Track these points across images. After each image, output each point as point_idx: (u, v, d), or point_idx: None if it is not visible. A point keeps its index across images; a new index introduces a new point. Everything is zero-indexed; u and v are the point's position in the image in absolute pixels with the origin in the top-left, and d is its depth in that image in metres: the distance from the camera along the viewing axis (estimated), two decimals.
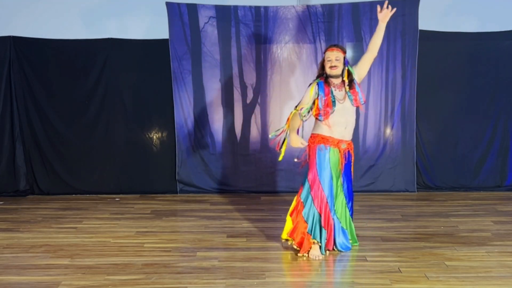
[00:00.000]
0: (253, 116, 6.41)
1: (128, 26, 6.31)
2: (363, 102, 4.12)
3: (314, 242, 4.10)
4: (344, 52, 4.13)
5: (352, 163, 4.26)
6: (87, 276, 3.79)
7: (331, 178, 4.09)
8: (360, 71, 4.20)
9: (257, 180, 6.47)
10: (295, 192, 6.31)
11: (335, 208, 4.18)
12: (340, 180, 4.19)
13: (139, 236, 4.77)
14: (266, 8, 6.20)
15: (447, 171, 6.47)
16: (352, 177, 4.32)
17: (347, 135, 4.15)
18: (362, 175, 6.41)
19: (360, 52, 6.26)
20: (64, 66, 6.31)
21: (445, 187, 6.48)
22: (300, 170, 4.46)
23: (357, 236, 4.57)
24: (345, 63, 4.11)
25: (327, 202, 4.08)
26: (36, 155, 6.42)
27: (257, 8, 6.21)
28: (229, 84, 6.35)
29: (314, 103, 4.11)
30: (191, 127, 6.41)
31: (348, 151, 4.18)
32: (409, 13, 6.17)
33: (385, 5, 4.13)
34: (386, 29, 6.10)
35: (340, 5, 6.20)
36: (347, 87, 4.08)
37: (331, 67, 4.07)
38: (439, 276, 3.73)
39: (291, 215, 4.25)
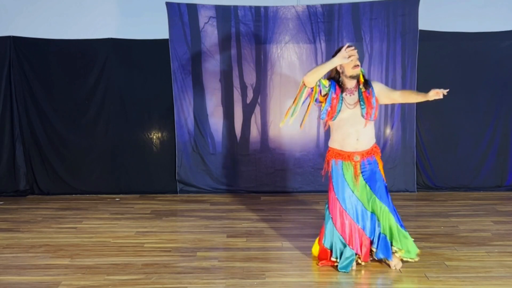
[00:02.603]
0: (253, 116, 6.41)
1: (128, 26, 6.30)
2: (372, 119, 3.87)
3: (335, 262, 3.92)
4: None
5: (379, 167, 3.95)
6: (87, 276, 3.79)
7: (353, 194, 3.88)
8: (383, 95, 3.95)
9: (257, 180, 6.47)
10: (295, 192, 6.38)
11: (378, 219, 3.90)
12: (369, 190, 3.89)
13: (139, 236, 4.77)
14: (266, 8, 6.20)
15: (447, 171, 6.47)
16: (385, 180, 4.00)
17: (361, 147, 3.89)
18: None
19: (360, 52, 6.24)
20: (64, 66, 6.31)
21: (445, 187, 6.48)
22: (323, 181, 4.27)
23: None
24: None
25: (347, 216, 3.87)
26: (36, 155, 6.42)
27: (257, 8, 6.21)
28: (229, 84, 6.35)
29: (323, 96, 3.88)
30: (191, 127, 6.41)
31: (368, 159, 3.91)
32: (409, 13, 6.17)
33: (444, 91, 3.93)
34: (386, 28, 6.23)
35: (340, 5, 6.20)
36: (362, 87, 3.86)
37: (355, 66, 3.81)
38: (439, 276, 3.74)
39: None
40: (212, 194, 6.41)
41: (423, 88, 6.27)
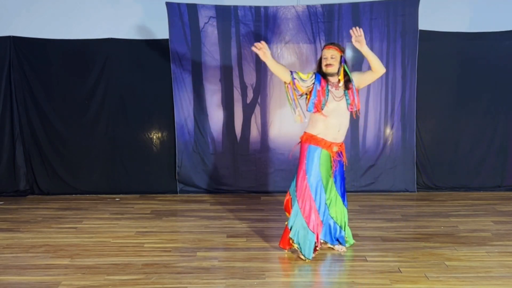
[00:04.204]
0: (253, 116, 6.41)
1: (128, 26, 6.30)
2: (356, 109, 4.09)
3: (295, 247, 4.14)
4: (342, 51, 4.08)
5: (344, 163, 4.25)
6: (87, 276, 3.79)
7: (320, 179, 4.07)
8: (359, 82, 4.15)
9: (257, 180, 6.47)
10: None
11: (329, 208, 4.23)
12: (332, 180, 4.20)
13: (139, 236, 4.77)
14: (266, 8, 6.20)
15: (447, 171, 6.47)
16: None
17: (340, 138, 4.13)
18: (362, 175, 6.41)
19: (360, 52, 6.24)
20: (64, 66, 6.30)
21: (445, 187, 6.48)
22: (290, 158, 4.44)
23: (357, 236, 4.59)
24: (342, 61, 4.07)
25: (314, 203, 4.05)
26: (36, 155, 6.42)
27: (257, 8, 6.21)
28: (229, 84, 6.35)
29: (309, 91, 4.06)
30: (191, 127, 6.41)
31: (340, 152, 4.19)
32: (409, 13, 6.17)
33: (353, 30, 3.98)
34: (386, 28, 6.23)
35: (340, 5, 6.20)
36: (343, 87, 4.06)
37: (326, 65, 4.04)
38: (439, 276, 3.74)
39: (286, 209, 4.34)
40: (212, 194, 6.41)
41: (423, 88, 6.32)
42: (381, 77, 6.22)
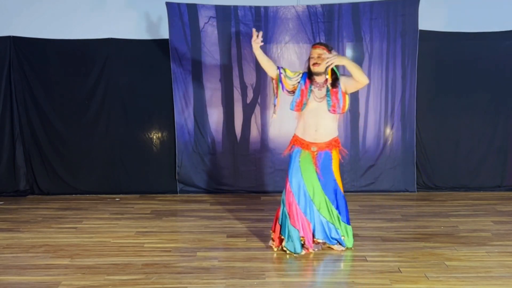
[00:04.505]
0: (253, 116, 6.41)
1: (128, 26, 6.30)
2: (340, 112, 4.12)
3: (282, 238, 4.24)
4: (329, 51, 4.12)
5: (332, 162, 4.20)
6: (87, 276, 3.79)
7: (302, 179, 4.15)
8: (346, 85, 4.13)
9: (257, 180, 6.47)
10: None
11: (320, 210, 4.19)
12: (317, 181, 4.18)
13: (139, 236, 4.77)
14: (266, 8, 6.20)
15: (447, 171, 6.46)
16: (336, 177, 4.26)
17: (320, 138, 4.16)
18: (362, 175, 6.41)
19: (360, 52, 6.28)
20: (64, 66, 6.30)
21: (445, 187, 6.48)
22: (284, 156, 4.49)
23: (357, 236, 4.58)
24: None
25: (297, 204, 4.15)
26: (36, 155, 6.42)
27: (257, 8, 6.21)
28: (229, 84, 6.35)
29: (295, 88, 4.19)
30: (191, 127, 6.41)
31: (325, 152, 4.17)
32: (409, 13, 6.17)
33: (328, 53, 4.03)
34: (386, 28, 6.23)
35: (340, 5, 6.20)
36: (329, 85, 4.10)
37: (313, 64, 4.10)
38: (439, 276, 3.74)
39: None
40: (212, 194, 6.41)
41: (423, 88, 6.32)
42: (381, 77, 6.32)
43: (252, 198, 6.23)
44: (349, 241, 4.31)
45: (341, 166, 6.31)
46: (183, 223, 5.31)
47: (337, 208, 4.26)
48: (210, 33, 6.25)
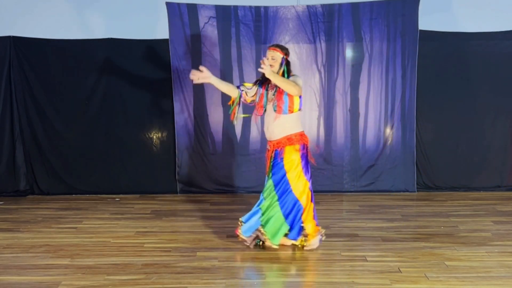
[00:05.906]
0: (253, 116, 6.39)
1: (128, 26, 6.30)
2: (287, 112, 4.16)
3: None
4: (284, 53, 4.20)
5: (284, 161, 4.17)
6: (87, 276, 3.79)
7: (266, 175, 4.33)
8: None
9: (257, 180, 6.45)
10: None
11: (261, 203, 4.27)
12: (270, 179, 4.25)
13: (139, 236, 4.77)
14: (266, 8, 6.20)
15: (447, 171, 6.46)
16: (289, 176, 4.18)
17: (271, 136, 4.28)
18: (362, 175, 6.41)
19: (360, 52, 6.28)
20: (64, 66, 6.31)
21: (445, 187, 6.48)
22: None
23: (357, 236, 4.58)
24: (282, 63, 4.19)
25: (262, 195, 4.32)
26: (36, 155, 6.42)
27: (257, 8, 6.21)
28: None
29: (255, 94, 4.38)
30: (191, 127, 6.41)
31: (277, 150, 4.22)
32: (409, 13, 6.17)
33: (262, 61, 4.00)
34: (386, 28, 6.22)
35: (340, 5, 6.20)
36: (277, 87, 4.19)
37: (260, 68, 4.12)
38: (439, 276, 3.74)
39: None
40: (212, 194, 6.41)
41: (423, 88, 6.32)
42: (381, 77, 6.32)
43: (252, 198, 6.22)
44: (274, 239, 4.19)
45: (341, 166, 6.40)
46: (183, 223, 5.30)
47: (282, 207, 4.18)
48: (210, 33, 6.25)
